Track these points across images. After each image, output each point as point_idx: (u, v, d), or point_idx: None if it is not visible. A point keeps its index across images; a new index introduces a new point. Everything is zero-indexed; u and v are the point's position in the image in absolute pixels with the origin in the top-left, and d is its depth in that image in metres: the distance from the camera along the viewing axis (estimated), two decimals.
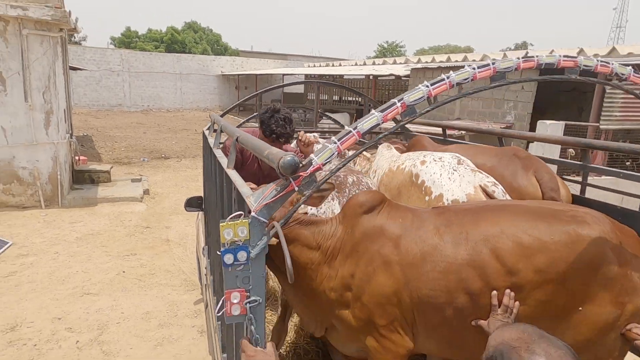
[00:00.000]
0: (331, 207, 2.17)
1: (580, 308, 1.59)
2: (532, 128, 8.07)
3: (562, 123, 6.69)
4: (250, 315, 0.99)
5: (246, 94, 21.47)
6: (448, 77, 1.03)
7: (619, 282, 1.62)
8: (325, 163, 0.97)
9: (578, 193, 2.40)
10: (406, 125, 3.48)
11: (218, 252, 0.97)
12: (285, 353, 2.72)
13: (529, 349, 0.90)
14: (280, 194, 0.99)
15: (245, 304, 0.98)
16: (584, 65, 1.19)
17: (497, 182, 2.15)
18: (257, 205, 0.97)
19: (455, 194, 2.10)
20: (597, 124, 7.08)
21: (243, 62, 29.22)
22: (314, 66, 25.27)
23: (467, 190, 2.08)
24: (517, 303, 1.59)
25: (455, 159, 2.25)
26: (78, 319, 4.20)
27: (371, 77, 16.31)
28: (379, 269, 1.69)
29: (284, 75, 22.73)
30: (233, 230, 0.95)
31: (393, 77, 15.31)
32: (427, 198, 2.17)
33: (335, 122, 4.62)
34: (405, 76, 12.56)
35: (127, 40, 31.14)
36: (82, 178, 8.95)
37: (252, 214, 0.98)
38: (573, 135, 6.82)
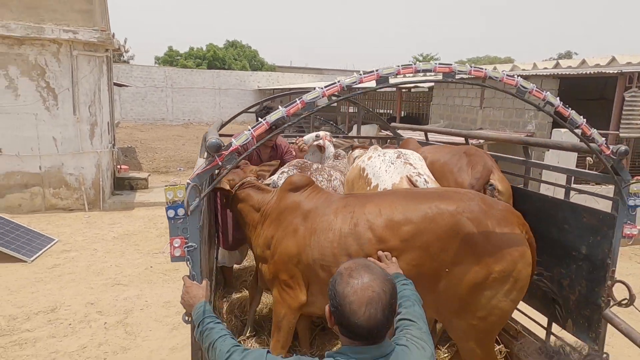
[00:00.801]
0: None
1: (447, 269, 1.88)
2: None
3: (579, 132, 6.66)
4: (188, 257, 1.35)
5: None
6: (339, 81, 1.35)
7: (480, 246, 1.91)
8: (243, 144, 1.33)
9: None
10: (427, 134, 3.89)
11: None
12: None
13: (350, 274, 1.20)
14: (207, 167, 1.34)
15: (185, 248, 1.33)
16: (458, 70, 1.46)
17: (421, 173, 2.47)
18: (192, 175, 1.33)
19: (386, 183, 2.42)
20: (617, 132, 7.00)
21: (279, 77, 30.17)
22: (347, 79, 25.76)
23: (395, 180, 2.41)
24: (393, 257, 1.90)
25: (395, 154, 2.58)
26: (108, 305, 4.72)
27: (402, 89, 16.53)
28: (289, 234, 2.15)
29: (316, 88, 23.27)
30: (173, 192, 1.32)
31: (425, 89, 15.46)
32: (368, 188, 2.50)
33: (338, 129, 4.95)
34: (430, 87, 12.73)
35: (170, 59, 32.97)
36: (122, 184, 9.73)
37: (187, 180, 1.34)
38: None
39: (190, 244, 1.33)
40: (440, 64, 1.45)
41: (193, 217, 1.34)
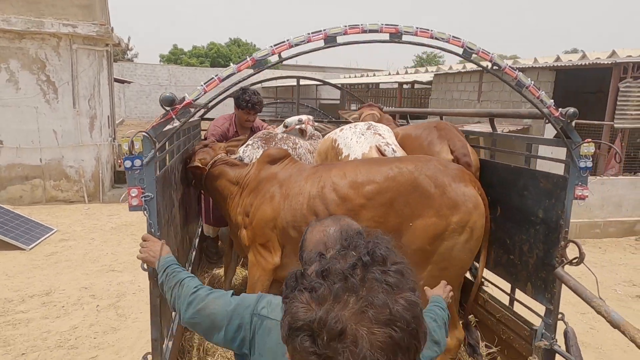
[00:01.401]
0: (256, 153, 2.69)
1: (410, 224, 1.98)
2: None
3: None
4: (145, 206, 1.42)
5: (283, 104, 22.28)
6: (288, 40, 1.42)
7: (438, 200, 2.08)
8: (196, 100, 1.40)
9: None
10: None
11: (120, 161, 1.41)
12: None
13: (320, 220, 1.27)
14: (161, 120, 1.42)
15: (142, 198, 1.41)
16: (404, 31, 1.51)
17: (389, 143, 2.58)
18: (149, 127, 1.41)
19: (356, 153, 2.51)
20: (612, 123, 6.99)
21: (282, 75, 30.25)
22: (350, 77, 25.77)
23: (365, 149, 2.50)
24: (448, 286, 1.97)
25: (366, 126, 2.68)
26: (101, 289, 4.82)
27: (401, 85, 16.57)
28: (266, 201, 2.31)
29: (317, 85, 23.38)
30: (129, 143, 1.40)
31: (426, 85, 15.47)
32: (339, 157, 2.59)
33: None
34: (427, 82, 12.74)
35: (174, 57, 33.21)
36: (122, 178, 9.86)
37: (143, 132, 1.41)
38: (585, 134, 6.76)
39: (147, 193, 1.41)
40: (386, 24, 1.50)
41: (149, 168, 1.42)
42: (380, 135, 2.63)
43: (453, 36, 1.57)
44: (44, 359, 3.52)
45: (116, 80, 11.69)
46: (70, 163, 8.30)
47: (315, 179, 2.27)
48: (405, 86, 17.68)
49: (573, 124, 1.92)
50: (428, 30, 1.52)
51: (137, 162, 1.39)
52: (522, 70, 9.08)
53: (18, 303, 4.44)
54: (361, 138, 2.62)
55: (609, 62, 7.00)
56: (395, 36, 1.53)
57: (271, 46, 1.42)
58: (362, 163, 2.31)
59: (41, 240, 6.31)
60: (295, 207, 2.25)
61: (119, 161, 10.69)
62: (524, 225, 2.16)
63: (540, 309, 2.32)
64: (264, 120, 4.27)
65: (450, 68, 11.87)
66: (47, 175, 8.20)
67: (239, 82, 1.42)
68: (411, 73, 17.97)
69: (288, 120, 3.43)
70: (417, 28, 1.50)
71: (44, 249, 6.05)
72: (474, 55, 1.61)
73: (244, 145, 2.92)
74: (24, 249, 5.96)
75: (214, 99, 1.40)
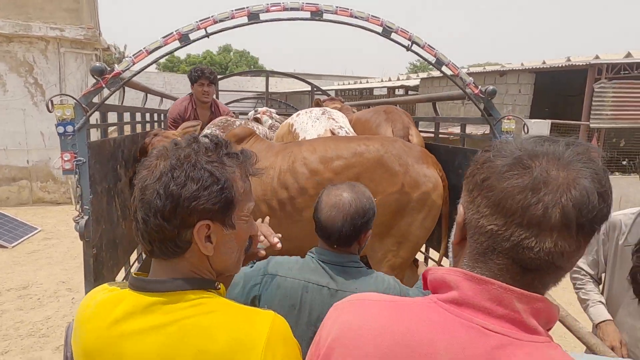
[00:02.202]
0: None
1: (374, 198, 2.06)
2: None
3: (548, 122, 6.82)
4: (77, 170, 1.52)
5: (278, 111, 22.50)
6: (212, 16, 1.52)
7: (400, 177, 2.19)
8: (125, 70, 1.51)
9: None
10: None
11: (56, 127, 1.52)
12: None
13: (336, 185, 1.43)
14: (92, 89, 1.52)
15: (74, 162, 1.50)
16: (324, 10, 1.61)
17: (342, 126, 2.68)
18: (80, 95, 1.51)
19: (312, 136, 2.60)
20: (588, 123, 7.12)
21: (277, 82, 30.46)
22: (343, 84, 26.01)
23: (320, 132, 2.59)
24: None
25: (321, 111, 2.77)
26: (79, 283, 4.87)
27: (392, 90, 16.77)
28: None
29: (310, 92, 23.54)
30: (62, 110, 1.49)
31: (414, 90, 15.67)
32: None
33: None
34: (414, 86, 12.91)
35: (171, 65, 33.49)
36: None
37: (75, 100, 1.51)
38: (563, 135, 6.88)
39: (79, 158, 1.51)
40: (307, 3, 1.60)
41: (81, 134, 1.51)
42: (334, 119, 2.74)
43: (372, 15, 1.68)
44: (15, 346, 3.58)
45: None
46: (57, 165, 8.38)
47: (286, 154, 2.35)
48: (399, 91, 17.89)
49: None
50: (348, 9, 1.62)
51: (69, 128, 1.49)
52: (504, 72, 9.23)
53: None
54: (316, 122, 2.73)
55: (584, 64, 7.15)
56: (316, 14, 1.64)
57: (197, 21, 1.53)
58: (331, 140, 2.40)
59: (24, 239, 6.37)
60: (266, 181, 2.31)
61: None
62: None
63: None
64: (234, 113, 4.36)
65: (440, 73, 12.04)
66: (34, 176, 8.28)
67: (164, 55, 1.53)
68: (402, 79, 18.19)
69: (249, 114, 3.56)
70: (336, 7, 1.60)
71: (26, 247, 6.11)
72: (393, 34, 1.71)
73: (204, 131, 2.96)
74: (7, 247, 6.02)
75: (142, 70, 1.51)
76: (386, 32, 1.71)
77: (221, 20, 1.55)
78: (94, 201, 1.57)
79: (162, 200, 0.76)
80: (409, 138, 2.57)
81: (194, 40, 1.54)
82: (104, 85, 1.49)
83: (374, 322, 0.69)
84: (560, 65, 7.63)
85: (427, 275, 0.77)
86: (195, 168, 0.78)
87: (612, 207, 0.66)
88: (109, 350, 0.77)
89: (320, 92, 5.41)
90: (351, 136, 2.50)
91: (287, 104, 6.01)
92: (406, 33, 1.73)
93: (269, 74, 4.80)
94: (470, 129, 3.16)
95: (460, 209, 0.72)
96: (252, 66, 35.51)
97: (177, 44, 1.54)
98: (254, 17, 1.56)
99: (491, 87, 1.98)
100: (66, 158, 1.49)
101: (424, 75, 18.47)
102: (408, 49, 1.77)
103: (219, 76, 4.00)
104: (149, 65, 1.51)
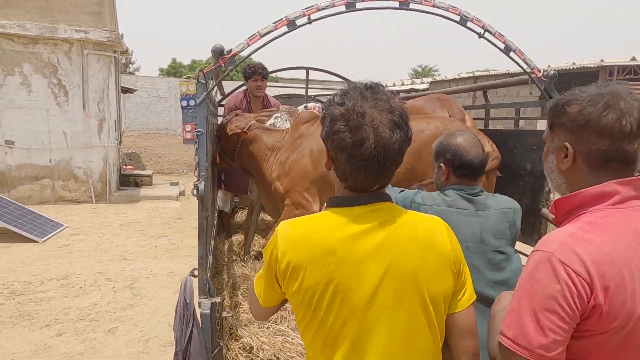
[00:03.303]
0: (285, 124, 3.01)
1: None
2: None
3: None
4: (197, 140, 1.69)
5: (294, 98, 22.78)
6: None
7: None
8: (241, 51, 1.69)
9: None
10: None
11: (125, 166, 1.69)
12: None
13: (455, 134, 1.72)
14: (212, 67, 1.69)
15: (195, 132, 1.67)
16: (410, 0, 1.81)
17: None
18: (201, 74, 1.69)
19: None
20: None
21: (280, 87, 30.77)
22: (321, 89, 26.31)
23: None
24: None
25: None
26: (116, 274, 5.03)
27: (398, 93, 17.10)
28: (305, 155, 2.67)
29: (306, 96, 23.80)
30: (186, 86, 1.67)
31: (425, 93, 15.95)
32: None
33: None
34: (424, 89, 13.16)
35: (174, 71, 33.76)
36: (127, 181, 10.09)
37: (196, 77, 1.69)
38: None
39: (198, 129, 1.68)
40: None
41: (201, 108, 1.68)
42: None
43: (451, 5, 1.87)
44: (68, 329, 3.73)
45: (122, 88, 12.00)
46: (78, 164, 8.54)
47: None
48: (402, 95, 18.31)
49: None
50: None
51: (192, 102, 1.66)
52: (515, 74, 9.48)
53: (37, 285, 4.65)
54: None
55: (595, 66, 7.39)
56: (404, 4, 1.82)
57: (302, 9, 1.72)
58: None
59: (53, 235, 6.52)
60: (320, 158, 2.53)
61: (125, 166, 10.96)
62: (514, 180, 2.43)
63: (529, 250, 2.59)
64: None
65: (445, 77, 12.28)
66: (56, 175, 8.43)
67: (273, 39, 1.70)
68: (407, 84, 18.50)
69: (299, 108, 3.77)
70: None
71: (56, 242, 6.26)
72: (469, 23, 1.90)
73: (274, 117, 3.30)
74: (37, 242, 6.16)
75: (255, 52, 1.67)
76: (463, 21, 1.90)
77: (323, 8, 1.73)
78: (205, 172, 1.74)
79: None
80: (465, 122, 2.75)
81: (300, 26, 1.72)
82: (222, 65, 1.66)
83: (611, 246, 0.89)
84: (571, 68, 7.88)
85: (562, 202, 0.98)
86: None
87: None
88: (344, 248, 0.98)
89: None
90: (416, 115, 2.69)
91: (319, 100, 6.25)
92: (480, 22, 1.92)
93: (308, 69, 5.03)
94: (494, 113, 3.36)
95: (568, 145, 1.01)
96: None
97: (285, 29, 1.72)
98: (351, 6, 1.75)
99: (552, 72, 2.18)
100: (188, 129, 1.66)
101: (428, 79, 18.80)
102: (480, 36, 1.96)
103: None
104: (261, 47, 1.68)
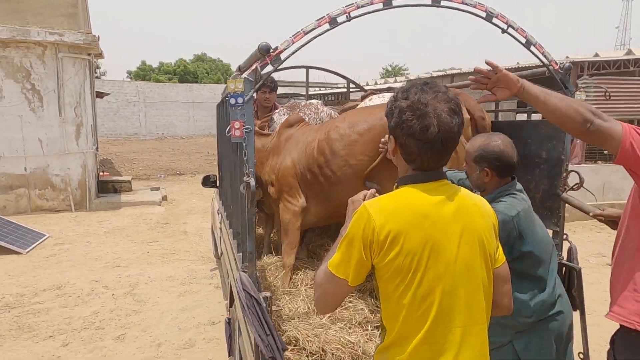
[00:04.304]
0: (282, 120, 3.11)
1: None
2: None
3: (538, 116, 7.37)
4: (245, 136, 1.71)
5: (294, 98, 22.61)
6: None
7: None
8: (285, 49, 1.72)
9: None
10: None
11: (229, 99, 1.72)
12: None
13: (490, 136, 1.91)
14: (260, 64, 1.72)
15: (243, 129, 1.69)
16: (467, 3, 1.90)
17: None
18: (248, 72, 1.71)
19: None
20: None
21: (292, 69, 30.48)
22: (319, 90, 26.37)
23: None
24: None
25: (379, 99, 3.22)
26: (112, 281, 4.90)
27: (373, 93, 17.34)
28: (287, 157, 2.80)
29: (307, 95, 23.78)
30: (235, 84, 1.68)
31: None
32: None
33: None
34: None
35: (143, 73, 32.89)
36: (106, 188, 9.79)
37: (244, 75, 1.71)
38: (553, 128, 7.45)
39: (247, 126, 1.70)
40: None
41: (248, 104, 1.70)
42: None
43: (479, 2, 1.97)
44: (73, 339, 3.62)
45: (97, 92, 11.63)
46: (55, 171, 8.24)
47: (323, 127, 2.74)
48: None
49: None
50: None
51: (240, 100, 1.67)
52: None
53: (31, 296, 4.48)
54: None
55: (567, 62, 7.77)
56: (436, 1, 1.91)
57: (343, 7, 1.77)
58: (362, 110, 2.79)
59: (36, 245, 6.28)
60: (309, 152, 2.68)
61: (101, 172, 10.64)
62: (529, 168, 2.56)
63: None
64: None
65: (418, 77, 12.55)
66: (32, 184, 8.10)
67: (316, 37, 1.73)
68: (381, 84, 18.77)
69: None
70: None
71: (41, 252, 6.03)
72: (494, 19, 2.01)
73: (276, 114, 3.41)
74: (21, 253, 5.92)
75: (299, 49, 1.70)
76: (489, 17, 2.01)
77: (362, 6, 1.78)
78: (252, 169, 1.75)
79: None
80: (484, 116, 2.83)
81: (340, 24, 1.77)
82: (269, 62, 1.68)
83: None
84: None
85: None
86: None
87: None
88: (435, 212, 1.19)
89: (356, 88, 5.83)
90: (381, 105, 2.82)
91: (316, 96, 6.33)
92: (504, 17, 2.03)
93: (308, 68, 5.07)
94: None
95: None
96: (224, 73, 35.30)
97: (327, 26, 1.76)
98: (388, 4, 1.82)
99: (567, 64, 2.32)
100: (236, 126, 1.68)
101: (401, 78, 19.13)
102: (504, 31, 2.06)
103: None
104: (305, 44, 1.72)
